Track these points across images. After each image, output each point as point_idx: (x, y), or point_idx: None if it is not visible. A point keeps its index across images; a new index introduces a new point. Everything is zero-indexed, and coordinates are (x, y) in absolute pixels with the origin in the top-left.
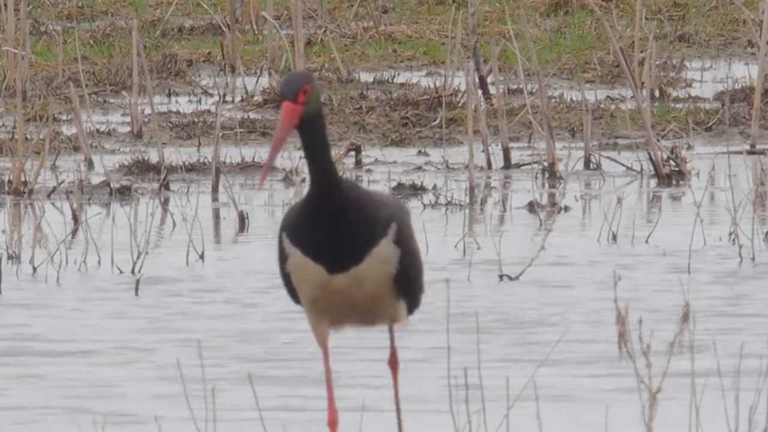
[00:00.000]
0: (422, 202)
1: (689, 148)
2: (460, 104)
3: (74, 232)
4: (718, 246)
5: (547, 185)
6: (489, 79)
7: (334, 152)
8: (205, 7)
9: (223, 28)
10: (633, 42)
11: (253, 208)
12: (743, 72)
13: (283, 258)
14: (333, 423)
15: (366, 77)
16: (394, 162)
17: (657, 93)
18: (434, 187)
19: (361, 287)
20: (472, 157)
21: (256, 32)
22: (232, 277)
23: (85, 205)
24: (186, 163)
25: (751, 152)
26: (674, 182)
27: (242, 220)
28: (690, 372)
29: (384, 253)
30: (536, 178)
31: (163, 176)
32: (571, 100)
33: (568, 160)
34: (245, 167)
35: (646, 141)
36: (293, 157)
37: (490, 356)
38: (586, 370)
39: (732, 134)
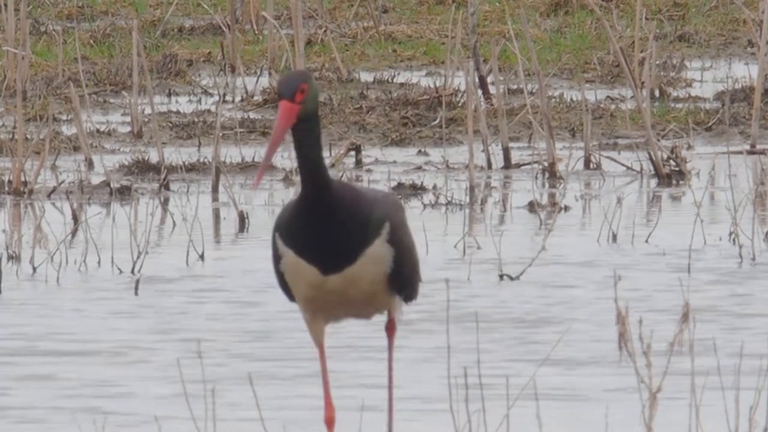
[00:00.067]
0: (422, 202)
1: (689, 148)
2: (460, 104)
3: (74, 232)
4: (718, 246)
5: (547, 185)
6: (489, 79)
7: (335, 152)
8: (205, 7)
9: (223, 28)
10: (633, 42)
11: (253, 207)
12: (743, 72)
13: (276, 258)
14: (330, 420)
15: (366, 77)
16: (394, 162)
17: (657, 93)
18: (434, 187)
19: (355, 286)
20: (472, 156)
21: (256, 32)
22: (232, 276)
23: (85, 205)
24: (186, 163)
25: (751, 152)
26: (674, 182)
27: (242, 220)
28: (690, 372)
29: (377, 253)
30: (536, 178)
31: (163, 176)
32: (571, 100)
33: (569, 160)
34: (245, 167)
35: (646, 141)
36: (293, 157)
37: (490, 356)
38: (586, 370)
39: (732, 134)
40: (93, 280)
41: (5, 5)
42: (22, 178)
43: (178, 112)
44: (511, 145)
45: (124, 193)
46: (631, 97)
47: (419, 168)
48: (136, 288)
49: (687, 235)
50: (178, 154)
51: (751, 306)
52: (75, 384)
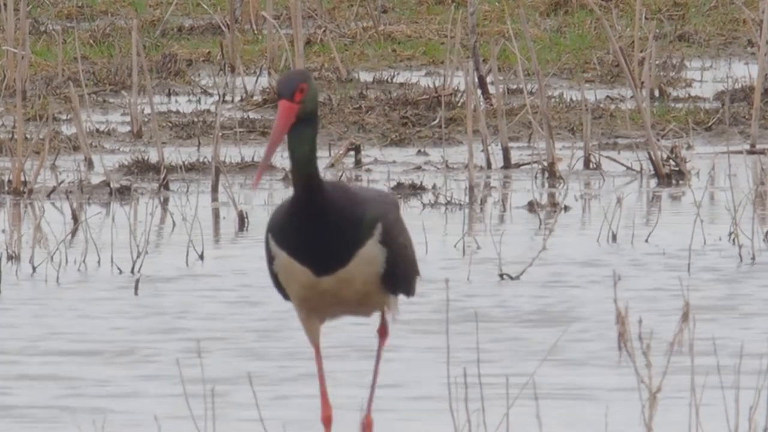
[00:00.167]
0: (422, 202)
1: (689, 147)
2: (459, 104)
3: (74, 232)
4: (718, 246)
5: (546, 185)
6: (488, 79)
7: (334, 152)
8: (205, 7)
9: (223, 27)
10: (633, 42)
11: (253, 207)
12: (743, 72)
13: (270, 258)
14: (327, 419)
15: (365, 77)
16: (394, 162)
17: (657, 93)
18: (434, 187)
19: (348, 287)
20: (471, 156)
21: (256, 32)
22: (232, 276)
23: (84, 205)
24: (186, 162)
25: (751, 152)
26: (674, 182)
27: (242, 220)
28: (690, 372)
29: (370, 253)
30: (536, 177)
31: (162, 176)
32: (571, 99)
33: (570, 160)
34: (245, 167)
35: (646, 141)
36: None
37: (490, 356)
38: (586, 370)
39: (732, 134)
40: (93, 280)
41: (5, 5)
42: (22, 178)
43: (177, 112)
44: (510, 144)
45: (124, 193)
46: (631, 97)
47: (419, 168)
48: (136, 288)
49: (687, 235)
50: (177, 154)
51: (751, 306)
52: (75, 384)
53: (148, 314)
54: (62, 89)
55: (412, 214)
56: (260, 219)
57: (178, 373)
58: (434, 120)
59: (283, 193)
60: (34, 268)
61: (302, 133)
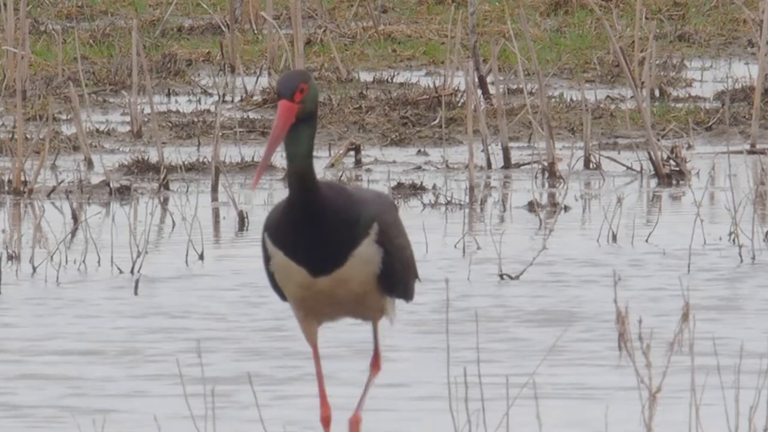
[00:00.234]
0: (422, 202)
1: (689, 147)
2: (459, 104)
3: (74, 232)
4: (718, 246)
5: (547, 185)
6: (489, 79)
7: (334, 152)
8: (205, 6)
9: (223, 27)
10: (633, 42)
11: (253, 207)
12: (743, 71)
13: (266, 258)
14: (326, 419)
15: (365, 77)
16: (394, 162)
17: (657, 93)
18: (434, 187)
19: (344, 287)
20: (471, 156)
21: (256, 32)
22: (232, 276)
23: (84, 205)
24: (185, 162)
25: (751, 152)
26: (674, 182)
27: (242, 220)
28: (690, 372)
29: (366, 253)
30: (536, 177)
31: (162, 176)
32: (571, 99)
33: (569, 160)
34: (245, 167)
35: (646, 141)
36: None
37: (490, 356)
38: (586, 370)
39: (732, 134)
40: (93, 280)
41: (5, 5)
42: (22, 178)
43: (177, 112)
44: (510, 144)
45: (124, 193)
46: (631, 96)
47: (419, 168)
48: (136, 288)
49: (687, 235)
50: (177, 154)
51: (751, 306)
52: (75, 384)
53: (148, 314)
54: (62, 89)
55: (412, 214)
56: (260, 219)
57: (178, 373)
58: (434, 120)
59: (283, 193)
60: (34, 268)
61: (300, 132)
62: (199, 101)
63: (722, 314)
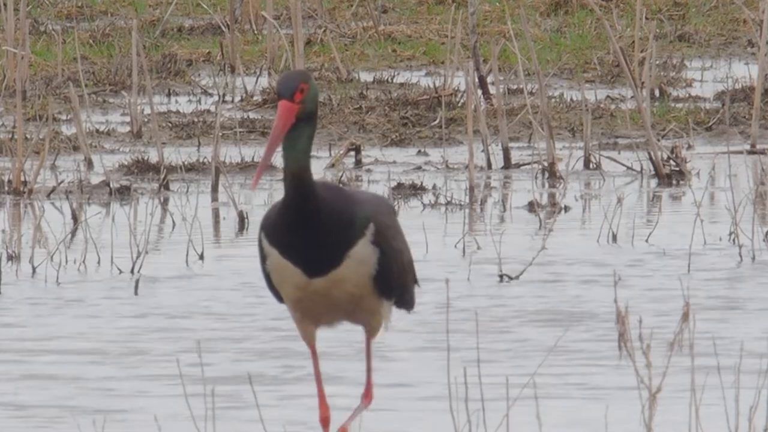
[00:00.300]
0: (422, 202)
1: (689, 147)
2: (459, 104)
3: (74, 232)
4: (718, 246)
5: (547, 185)
6: (489, 79)
7: (334, 152)
8: (205, 7)
9: (223, 28)
10: (633, 42)
11: (253, 207)
12: (743, 72)
13: (263, 258)
14: (325, 420)
15: (366, 77)
16: (394, 162)
17: (657, 93)
18: (434, 187)
19: (340, 288)
20: (471, 156)
21: (256, 32)
22: (232, 276)
23: (84, 205)
24: (186, 162)
25: (751, 152)
26: (674, 182)
27: (242, 220)
28: (690, 372)
29: (362, 253)
30: (536, 178)
31: (162, 176)
32: (571, 99)
33: (569, 160)
34: (245, 167)
35: (646, 141)
36: None
37: (490, 355)
38: (586, 370)
39: (732, 134)
40: (93, 280)
41: (5, 5)
42: (22, 178)
43: (177, 112)
44: (511, 145)
45: (124, 193)
46: (631, 96)
47: (419, 168)
48: (136, 288)
49: (687, 235)
50: (177, 154)
51: (751, 306)
52: (75, 384)
53: (148, 314)
54: (62, 89)
55: (412, 215)
56: (260, 219)
57: (179, 373)
58: (434, 120)
59: (283, 193)
60: (34, 268)
61: (299, 132)
62: (199, 101)
63: (722, 314)
